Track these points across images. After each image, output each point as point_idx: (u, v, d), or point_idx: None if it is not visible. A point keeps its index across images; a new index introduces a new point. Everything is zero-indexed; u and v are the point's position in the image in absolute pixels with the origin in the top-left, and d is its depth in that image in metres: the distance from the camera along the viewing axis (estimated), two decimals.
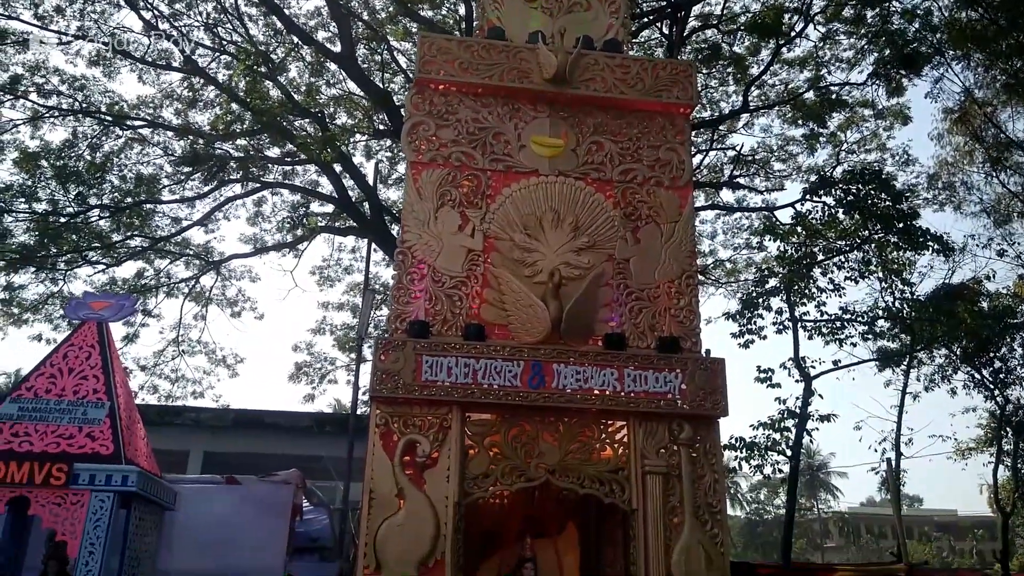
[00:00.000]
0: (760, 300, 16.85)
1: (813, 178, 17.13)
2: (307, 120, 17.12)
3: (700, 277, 21.08)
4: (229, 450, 13.18)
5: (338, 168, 17.48)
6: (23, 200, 14.99)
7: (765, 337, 16.76)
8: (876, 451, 18.00)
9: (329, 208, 19.30)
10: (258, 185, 17.88)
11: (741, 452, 15.58)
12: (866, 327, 17.21)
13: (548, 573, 6.99)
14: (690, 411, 6.65)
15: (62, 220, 15.57)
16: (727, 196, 20.36)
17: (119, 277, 18.34)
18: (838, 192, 16.07)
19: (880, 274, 17.34)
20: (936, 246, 15.49)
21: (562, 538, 7.25)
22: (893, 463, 14.97)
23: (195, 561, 6.92)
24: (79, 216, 15.76)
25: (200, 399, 19.93)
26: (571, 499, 7.43)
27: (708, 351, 7.13)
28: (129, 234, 17.25)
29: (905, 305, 17.41)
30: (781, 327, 16.91)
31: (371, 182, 16.49)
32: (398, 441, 6.26)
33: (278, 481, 7.71)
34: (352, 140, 17.81)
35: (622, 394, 6.59)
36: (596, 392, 6.58)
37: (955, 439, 20.19)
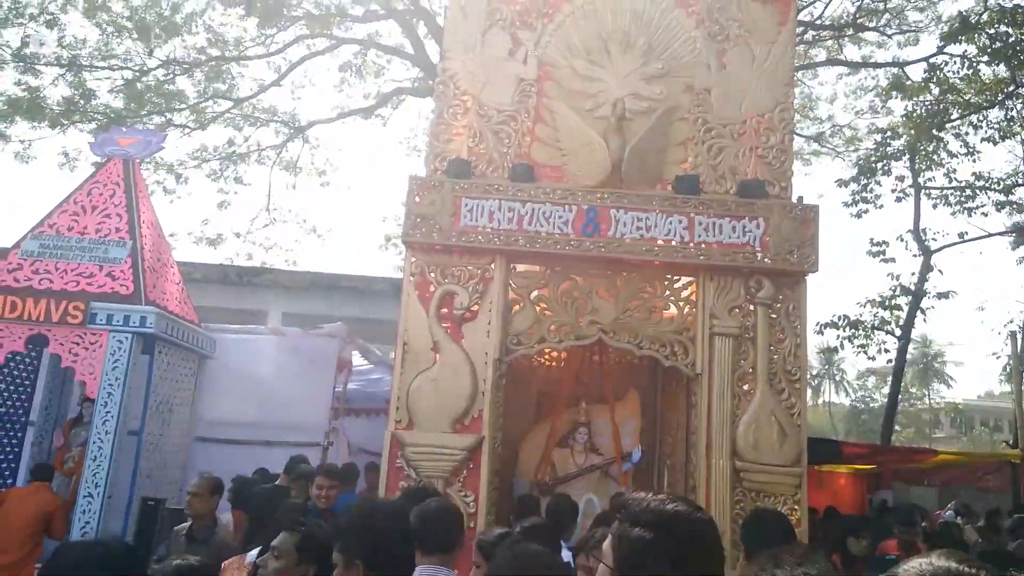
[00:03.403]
0: (879, 165, 15.11)
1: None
2: None
3: (815, 145, 19.34)
4: (306, 312, 13.20)
5: (423, 32, 16.59)
6: (101, 57, 14.88)
7: (882, 206, 15.16)
8: (1000, 335, 16.32)
9: (414, 73, 18.51)
10: (335, 41, 17.21)
11: (844, 330, 14.41)
12: (1002, 195, 15.21)
13: (602, 439, 6.43)
14: (772, 266, 5.70)
15: (143, 80, 15.47)
16: (852, 54, 18.02)
17: (210, 144, 18.46)
18: (983, 39, 13.78)
19: None
20: None
21: (621, 404, 6.62)
22: (1019, 338, 13.35)
23: (236, 410, 6.74)
24: (159, 70, 15.60)
25: (293, 267, 20.21)
26: (635, 363, 6.77)
27: (801, 198, 6.06)
28: (212, 97, 17.10)
29: None
30: (901, 195, 15.22)
31: None
32: (434, 292, 5.68)
33: (323, 334, 7.38)
34: None
35: (691, 245, 5.70)
36: (660, 242, 5.71)
37: None
